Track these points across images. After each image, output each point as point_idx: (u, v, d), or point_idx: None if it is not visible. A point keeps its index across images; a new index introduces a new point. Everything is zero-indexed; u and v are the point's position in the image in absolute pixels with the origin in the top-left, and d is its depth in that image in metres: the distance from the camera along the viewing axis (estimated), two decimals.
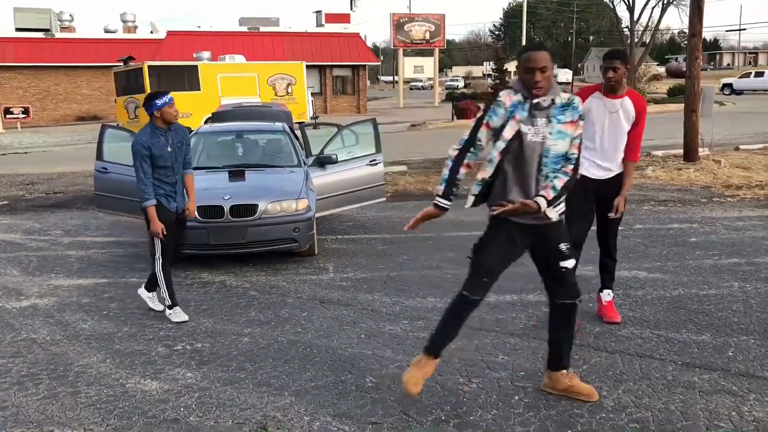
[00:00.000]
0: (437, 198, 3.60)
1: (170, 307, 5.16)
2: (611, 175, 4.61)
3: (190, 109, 22.80)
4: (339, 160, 7.58)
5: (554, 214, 3.44)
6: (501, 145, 3.41)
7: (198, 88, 23.87)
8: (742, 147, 14.99)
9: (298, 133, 8.95)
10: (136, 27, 41.47)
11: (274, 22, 39.97)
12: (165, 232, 5.01)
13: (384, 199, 8.11)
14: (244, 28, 38.37)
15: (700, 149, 12.80)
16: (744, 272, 5.90)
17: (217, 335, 4.81)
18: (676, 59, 76.83)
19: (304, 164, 7.52)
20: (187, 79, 24.10)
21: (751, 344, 4.33)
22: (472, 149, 3.53)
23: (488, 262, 3.55)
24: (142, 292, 5.42)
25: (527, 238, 3.52)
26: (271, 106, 13.41)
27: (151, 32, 41.72)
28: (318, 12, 41.81)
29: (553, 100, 3.39)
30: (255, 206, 6.38)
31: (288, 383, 3.99)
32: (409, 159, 14.90)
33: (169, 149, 5.02)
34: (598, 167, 4.60)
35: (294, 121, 12.15)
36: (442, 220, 8.92)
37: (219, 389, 3.93)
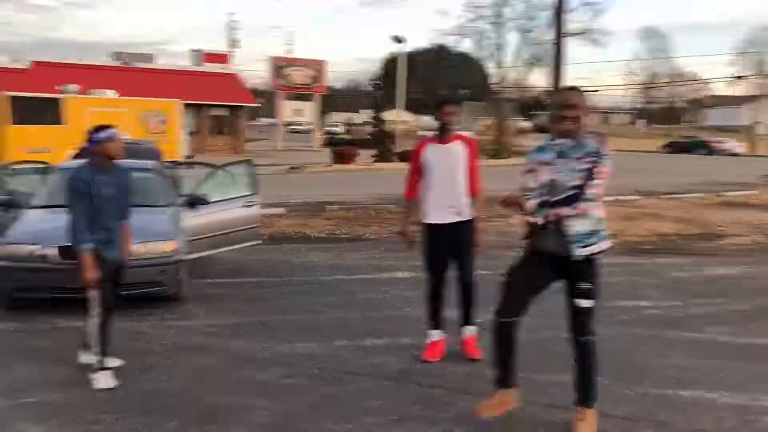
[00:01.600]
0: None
1: (99, 369, 4.48)
2: (459, 219, 4.85)
3: (50, 144, 21.48)
4: (212, 200, 7.39)
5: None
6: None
7: (60, 122, 22.69)
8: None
9: (169, 172, 8.67)
10: None
11: (148, 57, 38.93)
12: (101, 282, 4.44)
13: (260, 241, 7.98)
14: (118, 63, 37.05)
15: None
16: (600, 316, 6.24)
17: (72, 385, 4.47)
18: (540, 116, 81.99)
19: (174, 205, 7.26)
20: (50, 112, 22.84)
21: (606, 385, 4.55)
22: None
23: (515, 284, 3.84)
24: (85, 357, 4.72)
25: (554, 268, 3.78)
26: (141, 143, 12.95)
27: (15, 60, 39.25)
28: (196, 51, 41.18)
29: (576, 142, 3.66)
30: None
31: None
32: (288, 202, 14.80)
33: (113, 190, 4.54)
34: (446, 211, 4.83)
35: (166, 160, 11.78)
36: (319, 263, 8.87)
37: None
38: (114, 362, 4.63)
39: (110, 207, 4.54)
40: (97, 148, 4.52)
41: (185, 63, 41.56)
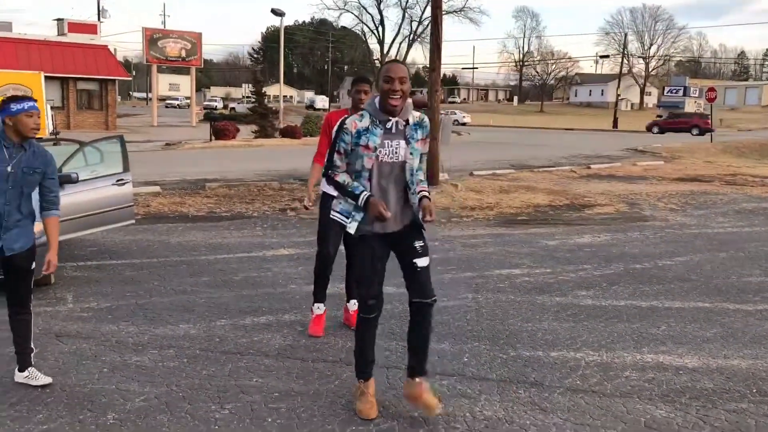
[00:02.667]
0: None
1: None
2: None
3: None
4: (80, 179, 6.96)
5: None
6: (365, 173, 3.59)
7: None
8: (475, 173, 16.70)
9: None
10: None
11: (6, 26, 35.92)
12: None
13: (134, 221, 7.63)
14: None
15: (441, 174, 14.01)
16: (476, 284, 6.54)
17: None
18: (421, 92, 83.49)
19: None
20: None
21: (482, 349, 4.79)
22: (335, 170, 3.68)
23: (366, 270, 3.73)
24: (18, 376, 4.15)
25: (387, 242, 3.70)
26: None
27: None
28: (60, 20, 38.42)
29: (407, 120, 3.63)
30: None
31: (14, 429, 3.52)
32: (164, 180, 14.24)
33: (9, 169, 3.82)
34: None
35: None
36: (198, 242, 8.65)
37: None
38: None
39: (3, 189, 3.84)
40: (6, 119, 3.84)
41: (47, 33, 38.70)
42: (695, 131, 42.39)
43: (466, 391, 4.09)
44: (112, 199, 7.18)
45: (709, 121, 37.72)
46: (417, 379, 3.77)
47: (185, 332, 5.07)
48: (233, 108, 50.63)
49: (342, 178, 3.66)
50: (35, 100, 4.00)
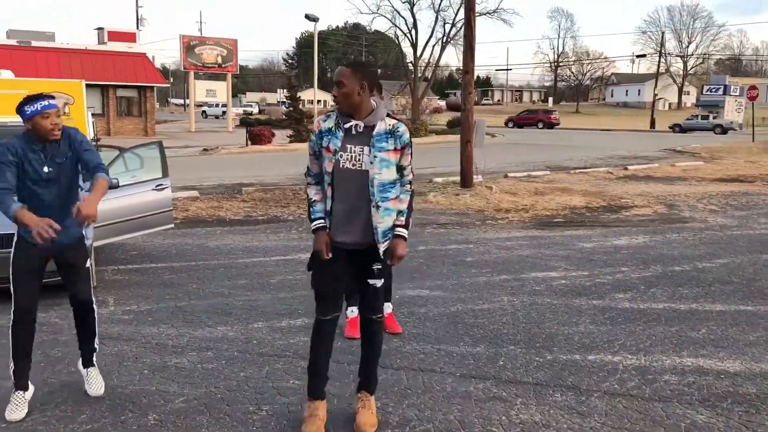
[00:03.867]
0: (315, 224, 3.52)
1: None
2: None
3: None
4: (121, 184, 7.12)
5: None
6: (327, 177, 3.44)
7: None
8: (510, 174, 16.60)
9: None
10: None
11: (49, 36, 36.83)
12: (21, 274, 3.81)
13: (172, 225, 7.77)
14: (14, 42, 34.89)
15: (475, 176, 13.95)
16: (512, 287, 6.50)
17: None
18: (455, 94, 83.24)
19: (80, 189, 6.95)
20: None
21: (518, 353, 4.77)
22: (310, 178, 3.57)
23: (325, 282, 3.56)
24: (81, 370, 4.20)
25: (349, 258, 3.53)
26: None
27: None
28: (100, 29, 39.30)
29: (373, 126, 3.39)
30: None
31: (59, 429, 3.62)
32: (202, 184, 14.46)
33: (46, 170, 3.78)
34: None
35: None
36: (235, 246, 8.75)
37: None
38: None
39: (46, 187, 3.81)
40: (25, 122, 3.76)
41: (88, 42, 39.63)
42: (540, 125, 50.80)
43: (502, 394, 4.07)
44: (151, 204, 7.33)
45: (553, 116, 51.44)
46: (359, 394, 3.75)
47: (223, 334, 5.15)
48: (282, 102, 51.21)
49: (310, 192, 3.54)
50: (52, 98, 3.82)
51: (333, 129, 3.43)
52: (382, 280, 3.59)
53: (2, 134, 10.38)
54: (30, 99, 3.75)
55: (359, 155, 3.38)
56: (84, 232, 4.14)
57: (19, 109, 3.76)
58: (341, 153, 3.38)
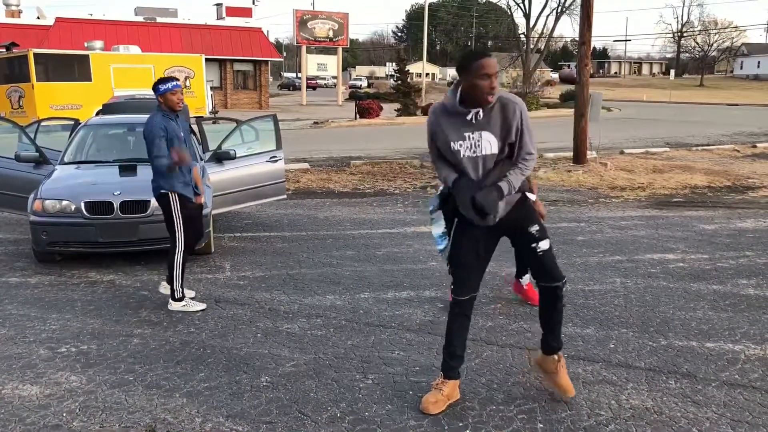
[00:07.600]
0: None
1: (179, 299, 5.11)
2: None
3: (80, 101, 21.72)
4: (237, 156, 7.43)
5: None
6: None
7: (89, 79, 22.78)
8: (626, 151, 15.90)
9: (195, 127, 8.70)
10: (20, 12, 38.95)
11: (172, 13, 38.69)
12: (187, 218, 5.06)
13: (285, 196, 8.03)
14: (140, 18, 36.90)
15: (588, 152, 13.47)
16: (625, 269, 6.26)
17: (105, 336, 4.60)
18: (569, 66, 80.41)
19: (201, 159, 7.31)
20: (78, 69, 22.95)
21: (630, 336, 4.60)
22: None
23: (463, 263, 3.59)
24: (164, 287, 5.34)
25: (495, 232, 3.56)
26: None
27: (38, 18, 39.33)
28: (218, 5, 40.85)
29: (480, 111, 3.37)
30: (147, 203, 6.14)
31: (179, 385, 3.87)
32: (312, 157, 14.82)
33: (182, 134, 5.06)
34: None
35: (192, 116, 11.81)
36: (343, 217, 8.92)
37: (106, 392, 3.76)
38: (190, 293, 5.31)
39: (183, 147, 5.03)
40: (159, 98, 4.99)
41: (208, 18, 41.29)
42: None
43: (612, 378, 3.95)
44: (266, 175, 7.59)
45: None
46: (555, 356, 3.70)
47: (332, 303, 5.29)
48: (390, 76, 51.86)
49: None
50: (177, 80, 5.06)
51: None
52: (548, 239, 3.53)
53: (134, 106, 11.12)
54: (162, 80, 5.01)
55: (478, 141, 3.41)
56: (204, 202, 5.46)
57: (155, 87, 4.99)
58: (459, 142, 3.47)
